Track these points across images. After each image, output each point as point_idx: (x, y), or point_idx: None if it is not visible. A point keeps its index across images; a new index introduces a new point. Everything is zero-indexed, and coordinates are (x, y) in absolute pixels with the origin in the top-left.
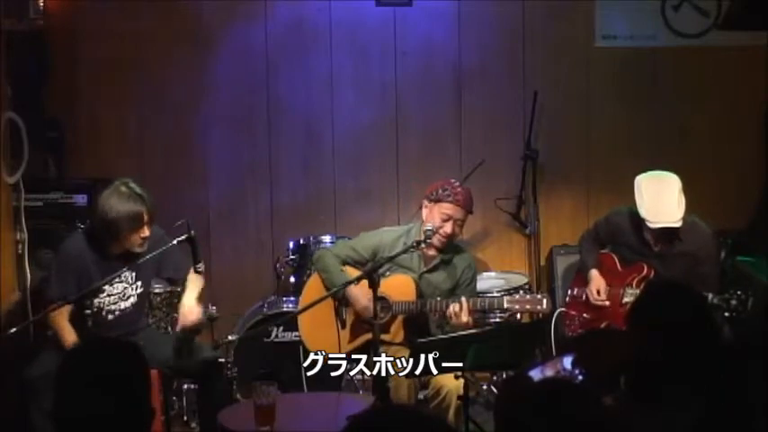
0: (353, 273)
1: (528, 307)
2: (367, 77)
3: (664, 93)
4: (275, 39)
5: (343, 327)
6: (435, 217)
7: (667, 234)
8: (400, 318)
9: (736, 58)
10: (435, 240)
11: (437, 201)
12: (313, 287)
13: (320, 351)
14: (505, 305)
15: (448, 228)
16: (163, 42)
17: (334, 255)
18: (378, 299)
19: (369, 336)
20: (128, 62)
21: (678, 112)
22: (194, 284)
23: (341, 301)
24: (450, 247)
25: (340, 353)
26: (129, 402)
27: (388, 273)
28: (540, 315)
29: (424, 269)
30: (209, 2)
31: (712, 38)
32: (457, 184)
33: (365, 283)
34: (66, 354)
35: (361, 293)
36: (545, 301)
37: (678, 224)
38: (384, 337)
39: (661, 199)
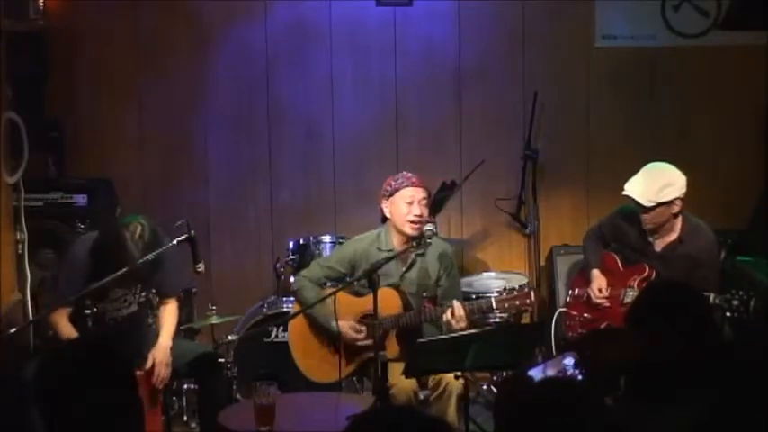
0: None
1: (517, 303)
2: (367, 77)
3: (664, 93)
4: (275, 39)
5: (337, 352)
6: (399, 207)
7: (655, 228)
8: (392, 333)
9: (736, 58)
10: (409, 229)
11: (394, 192)
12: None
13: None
14: (494, 306)
15: (416, 209)
16: (163, 42)
17: (314, 282)
18: (367, 317)
19: (365, 356)
20: (128, 62)
21: (678, 112)
22: (169, 323)
23: (333, 336)
24: (422, 240)
25: (340, 378)
26: (103, 403)
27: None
28: (532, 308)
29: (404, 269)
30: (209, 2)
31: (712, 38)
32: (405, 172)
33: (349, 312)
34: (41, 358)
35: (347, 329)
36: (533, 293)
37: (644, 203)
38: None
39: (645, 176)
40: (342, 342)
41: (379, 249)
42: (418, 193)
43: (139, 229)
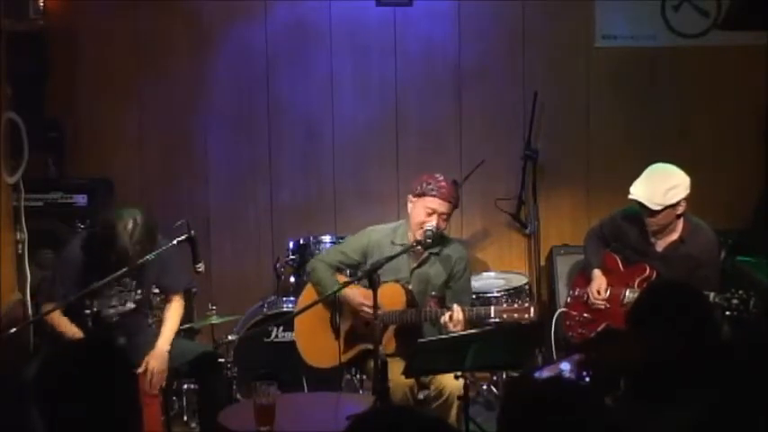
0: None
1: (516, 316)
2: (367, 77)
3: (664, 93)
4: (275, 39)
5: (337, 338)
6: (420, 212)
7: (659, 229)
8: (391, 328)
9: (736, 58)
10: (419, 235)
11: (421, 195)
12: (308, 297)
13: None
14: (492, 315)
15: (433, 222)
16: (163, 42)
17: (327, 264)
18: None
19: (364, 346)
20: (128, 62)
21: (678, 112)
22: (171, 322)
23: (336, 308)
24: (439, 240)
25: (339, 364)
26: (102, 404)
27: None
28: (530, 323)
29: (415, 265)
30: (209, 2)
31: (712, 38)
32: (441, 177)
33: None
34: (41, 358)
35: (355, 292)
36: (532, 309)
37: (651, 207)
38: None
39: (650, 178)
40: (343, 319)
41: (393, 243)
42: (442, 207)
43: (131, 222)
